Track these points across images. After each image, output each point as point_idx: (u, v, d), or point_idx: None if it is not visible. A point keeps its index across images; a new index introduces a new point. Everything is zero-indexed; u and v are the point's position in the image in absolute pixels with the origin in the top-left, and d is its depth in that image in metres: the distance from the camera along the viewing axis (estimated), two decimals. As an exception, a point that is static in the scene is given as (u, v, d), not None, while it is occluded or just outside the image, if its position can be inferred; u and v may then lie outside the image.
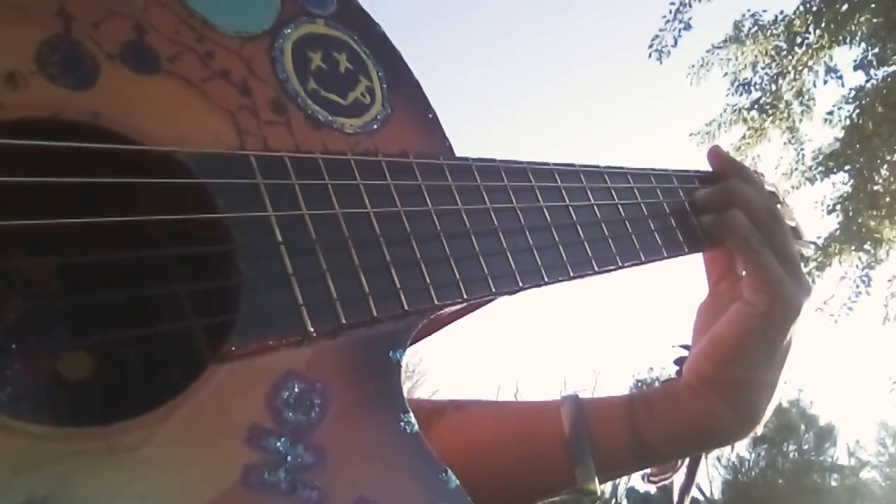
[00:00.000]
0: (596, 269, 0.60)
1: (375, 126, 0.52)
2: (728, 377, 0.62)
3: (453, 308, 0.50)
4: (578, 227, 0.60)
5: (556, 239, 0.58)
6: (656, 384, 0.68)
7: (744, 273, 0.66)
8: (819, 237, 6.96)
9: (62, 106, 0.38)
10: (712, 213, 0.69)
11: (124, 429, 0.34)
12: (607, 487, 5.61)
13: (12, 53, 0.37)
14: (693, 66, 7.04)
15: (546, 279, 0.56)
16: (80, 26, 0.40)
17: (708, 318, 0.69)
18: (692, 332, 0.71)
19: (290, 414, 0.39)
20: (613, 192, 0.65)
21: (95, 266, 0.43)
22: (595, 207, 0.62)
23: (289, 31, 0.50)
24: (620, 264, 0.63)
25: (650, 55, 6.89)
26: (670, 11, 6.70)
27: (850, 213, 6.80)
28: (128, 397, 0.46)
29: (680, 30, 6.74)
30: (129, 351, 0.46)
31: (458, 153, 0.55)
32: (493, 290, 0.52)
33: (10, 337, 0.42)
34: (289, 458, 0.38)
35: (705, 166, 0.75)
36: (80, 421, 0.34)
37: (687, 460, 0.70)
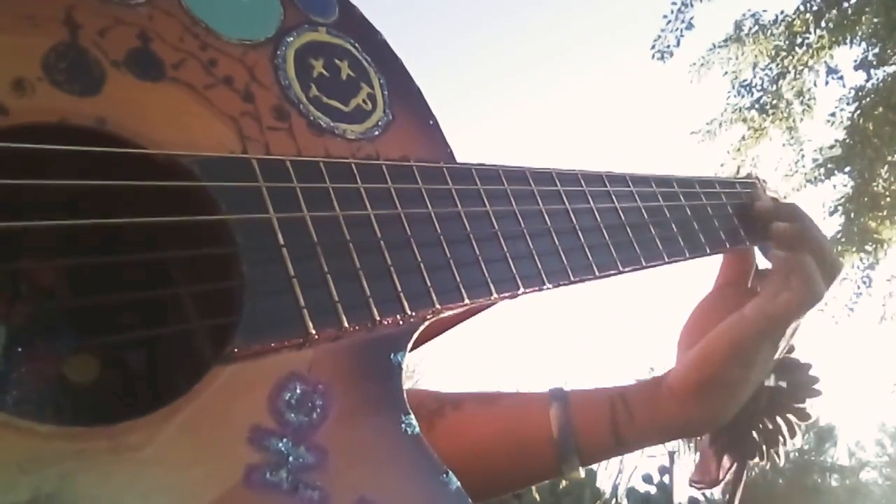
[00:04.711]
0: (597, 273, 0.61)
1: (377, 132, 0.52)
2: (713, 385, 0.65)
3: (454, 312, 0.51)
4: (579, 231, 0.61)
5: (557, 243, 0.58)
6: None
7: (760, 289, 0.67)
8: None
9: (68, 112, 0.39)
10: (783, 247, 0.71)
11: (128, 429, 0.34)
12: (607, 487, 5.61)
13: (19, 60, 0.38)
14: (694, 64, 7.07)
15: (547, 283, 0.56)
16: (86, 34, 0.41)
17: (705, 317, 0.71)
18: (683, 328, 0.74)
19: (292, 415, 0.39)
20: (613, 196, 0.65)
21: (101, 271, 0.44)
22: (595, 211, 0.63)
23: (291, 38, 0.50)
24: (621, 269, 0.63)
25: (653, 56, 6.91)
26: (672, 11, 6.72)
27: (852, 215, 6.79)
28: (132, 400, 0.46)
29: (682, 29, 6.76)
30: (133, 354, 0.47)
31: (466, 158, 0.56)
32: (495, 293, 0.52)
33: (16, 340, 0.43)
34: (290, 458, 0.38)
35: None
36: (83, 424, 0.34)
37: (734, 469, 0.73)
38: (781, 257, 0.71)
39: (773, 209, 0.77)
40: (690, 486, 0.76)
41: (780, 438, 0.74)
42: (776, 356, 0.68)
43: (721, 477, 0.73)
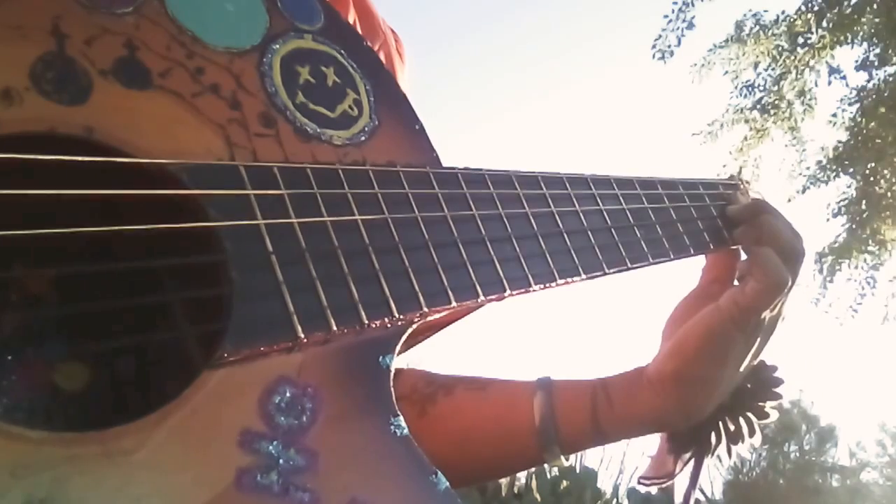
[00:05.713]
0: (583, 275, 0.62)
1: (363, 138, 0.53)
2: (687, 375, 0.67)
3: (441, 314, 0.51)
4: (565, 234, 0.61)
5: (543, 245, 0.59)
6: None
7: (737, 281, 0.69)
8: (835, 243, 7.01)
9: (56, 121, 0.39)
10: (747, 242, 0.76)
11: (120, 433, 0.34)
12: (608, 487, 5.62)
13: (7, 70, 0.38)
14: (695, 64, 7.09)
15: (533, 286, 0.57)
16: (73, 44, 0.41)
17: (688, 310, 0.72)
18: (667, 320, 0.75)
19: (282, 418, 0.40)
20: (598, 199, 0.66)
21: (91, 278, 0.44)
22: (581, 214, 0.64)
23: (277, 46, 0.51)
24: (606, 271, 0.64)
25: (654, 56, 6.93)
26: (672, 11, 6.75)
27: (856, 217, 6.84)
28: (123, 406, 0.46)
29: (683, 29, 6.78)
30: (124, 361, 0.47)
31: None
32: (482, 296, 0.53)
33: (6, 348, 0.43)
34: (281, 461, 0.38)
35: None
36: (74, 430, 0.34)
37: (691, 466, 0.74)
38: (749, 252, 0.75)
39: (740, 212, 0.79)
40: (639, 483, 0.77)
41: (740, 436, 0.75)
42: (749, 357, 0.69)
43: (677, 471, 0.74)
